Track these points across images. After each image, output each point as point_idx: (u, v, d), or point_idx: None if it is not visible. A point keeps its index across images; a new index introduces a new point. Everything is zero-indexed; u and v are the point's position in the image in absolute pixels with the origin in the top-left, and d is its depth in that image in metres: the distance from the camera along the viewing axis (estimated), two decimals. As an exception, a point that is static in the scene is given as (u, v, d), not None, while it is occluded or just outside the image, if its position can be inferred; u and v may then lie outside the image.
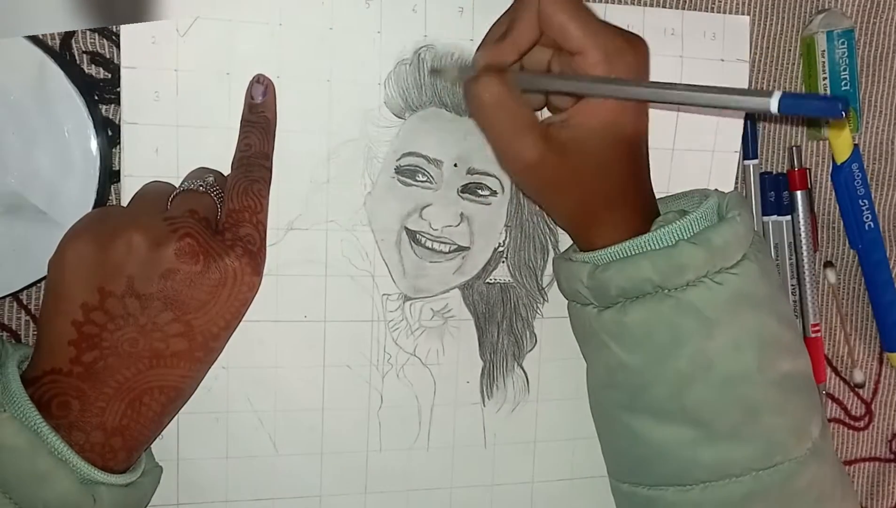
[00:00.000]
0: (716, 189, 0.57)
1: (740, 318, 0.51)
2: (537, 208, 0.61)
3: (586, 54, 0.49)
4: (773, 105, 0.41)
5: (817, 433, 0.53)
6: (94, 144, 0.52)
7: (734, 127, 0.64)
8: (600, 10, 0.60)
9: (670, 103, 0.49)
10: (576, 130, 0.51)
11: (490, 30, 0.55)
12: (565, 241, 0.61)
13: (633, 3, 0.62)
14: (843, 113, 0.40)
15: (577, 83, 0.50)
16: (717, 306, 0.50)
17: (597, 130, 0.50)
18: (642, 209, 0.54)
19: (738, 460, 0.51)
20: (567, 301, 0.58)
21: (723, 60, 0.63)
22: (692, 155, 0.63)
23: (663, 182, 0.63)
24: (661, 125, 0.62)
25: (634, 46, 0.51)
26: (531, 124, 0.50)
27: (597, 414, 0.60)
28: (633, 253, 0.51)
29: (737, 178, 0.65)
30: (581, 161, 0.51)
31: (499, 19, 0.54)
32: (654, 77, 0.60)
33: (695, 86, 0.45)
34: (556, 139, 0.50)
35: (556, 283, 0.60)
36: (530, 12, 0.50)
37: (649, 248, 0.51)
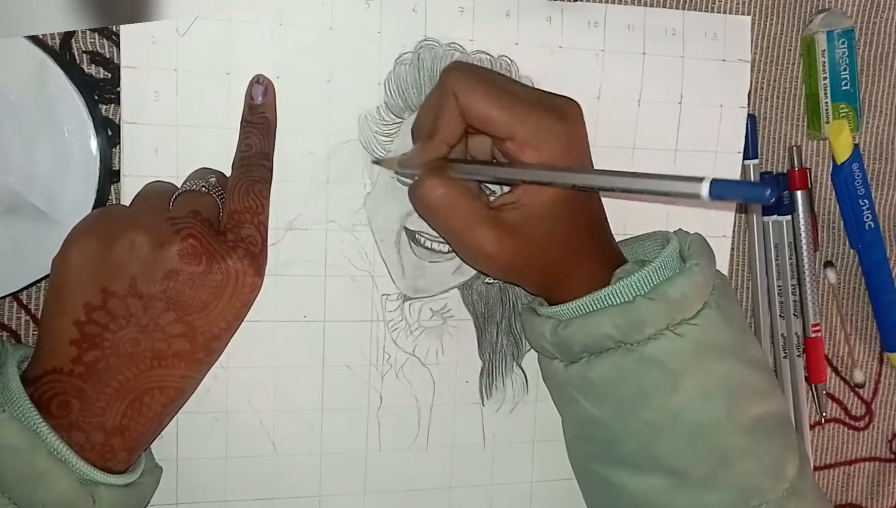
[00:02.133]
0: (678, 229, 0.57)
1: (706, 367, 0.51)
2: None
3: (515, 139, 0.50)
4: (704, 191, 0.41)
5: (794, 472, 0.53)
6: (94, 144, 0.52)
7: (737, 127, 0.64)
8: (601, 11, 0.60)
9: (602, 189, 0.50)
10: (525, 209, 0.51)
11: (416, 126, 0.55)
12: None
13: (634, 3, 0.62)
14: (771, 199, 0.40)
15: (512, 171, 0.50)
16: (680, 357, 0.50)
17: (546, 206, 0.51)
18: (604, 261, 0.54)
19: (714, 506, 0.51)
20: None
21: (724, 60, 0.63)
22: (695, 155, 0.63)
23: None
24: (664, 125, 0.62)
25: (563, 118, 0.51)
26: (483, 217, 0.51)
27: (574, 464, 0.60)
28: (593, 309, 0.51)
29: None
30: (538, 238, 0.51)
31: (421, 114, 0.55)
32: (655, 77, 0.61)
33: (625, 173, 0.45)
34: (510, 224, 0.51)
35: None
36: (450, 107, 0.51)
37: (608, 303, 0.51)
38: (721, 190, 0.41)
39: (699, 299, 0.51)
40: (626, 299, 0.50)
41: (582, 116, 0.52)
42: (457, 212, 0.51)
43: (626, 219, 0.62)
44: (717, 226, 0.65)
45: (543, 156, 0.50)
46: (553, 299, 0.55)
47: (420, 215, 0.54)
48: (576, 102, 0.52)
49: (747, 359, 0.53)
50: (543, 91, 0.53)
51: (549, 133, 0.50)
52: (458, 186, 0.51)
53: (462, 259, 0.54)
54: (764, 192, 0.40)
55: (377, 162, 0.58)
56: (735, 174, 0.65)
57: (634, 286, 0.51)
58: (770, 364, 0.53)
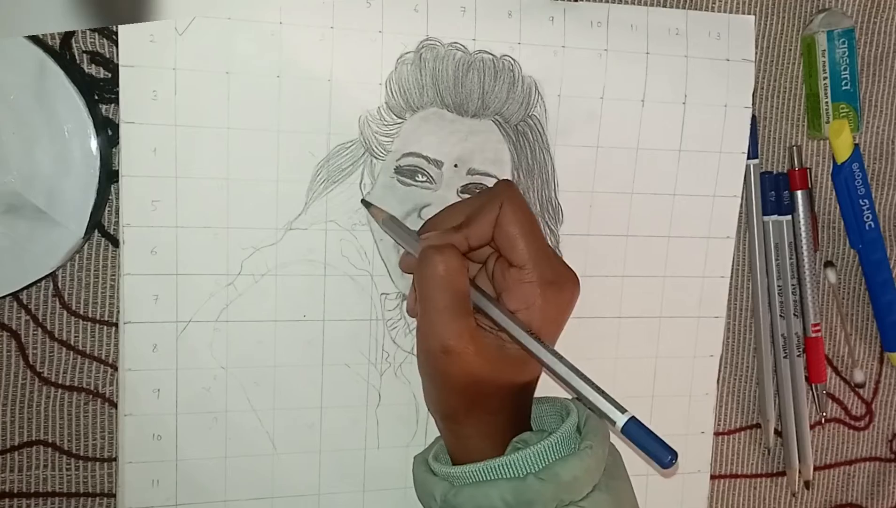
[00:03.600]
0: (575, 398, 0.56)
1: None
2: (538, 208, 0.61)
3: (524, 270, 0.52)
4: (619, 423, 0.47)
5: None
6: (94, 144, 0.52)
7: (741, 127, 0.64)
8: (603, 10, 0.60)
9: (547, 367, 0.51)
10: (501, 342, 0.52)
11: (440, 214, 0.56)
12: (565, 242, 0.62)
13: (637, 3, 0.62)
14: (670, 466, 0.45)
15: (500, 314, 0.51)
16: None
17: (514, 358, 0.52)
18: (515, 424, 0.54)
19: None
20: None
21: (728, 60, 0.63)
22: (698, 156, 0.63)
23: (669, 185, 0.63)
24: (668, 126, 0.62)
25: (567, 288, 0.54)
26: (468, 316, 0.51)
27: None
28: (486, 478, 0.51)
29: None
30: (491, 370, 0.51)
31: (453, 207, 0.55)
32: (659, 77, 0.61)
33: (577, 370, 0.50)
34: (482, 340, 0.51)
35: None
36: (491, 215, 0.52)
37: (501, 475, 0.50)
38: (632, 432, 0.46)
39: (589, 482, 0.50)
40: (519, 474, 0.50)
41: (577, 297, 0.55)
42: (454, 294, 0.50)
43: (629, 220, 0.62)
44: (722, 227, 0.65)
45: (538, 302, 0.52)
46: (450, 441, 0.54)
47: (417, 271, 0.53)
48: (578, 281, 0.55)
49: None
50: (559, 255, 0.56)
51: (552, 288, 0.52)
52: (466, 276, 0.51)
53: (418, 333, 0.53)
54: (666, 457, 0.45)
55: (365, 204, 0.57)
56: (739, 175, 0.65)
57: (528, 461, 0.50)
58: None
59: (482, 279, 0.56)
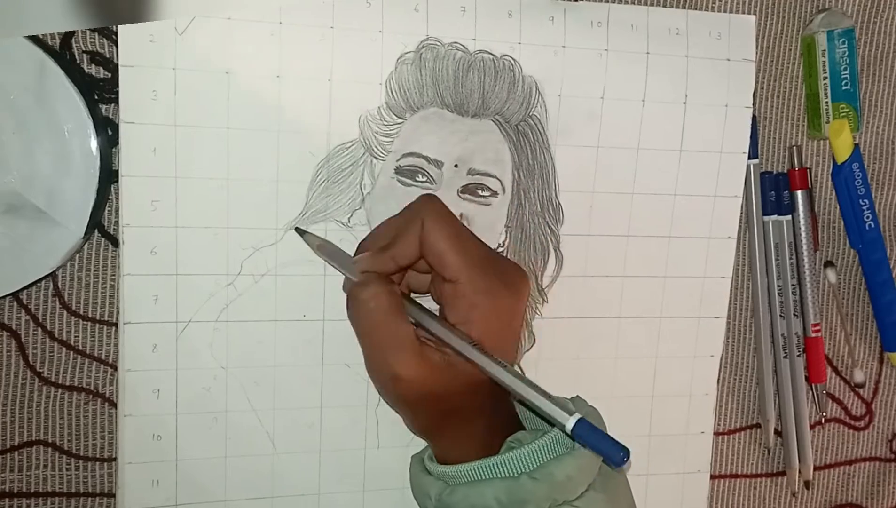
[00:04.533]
0: (576, 397, 0.56)
1: None
2: (538, 208, 0.61)
3: (458, 285, 0.51)
4: (568, 426, 0.47)
5: None
6: (94, 144, 0.52)
7: (742, 127, 0.64)
8: (603, 10, 0.60)
9: (494, 378, 0.51)
10: (448, 357, 0.51)
11: (371, 234, 0.56)
12: (566, 242, 0.62)
13: (637, 3, 0.62)
14: (623, 463, 0.46)
15: (440, 329, 0.51)
16: None
17: (464, 364, 0.51)
18: (500, 425, 0.54)
19: None
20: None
21: (728, 60, 0.63)
22: (699, 156, 0.63)
23: (670, 185, 0.63)
24: (668, 126, 0.62)
25: (510, 287, 0.53)
26: (410, 341, 0.51)
27: None
28: (480, 477, 0.51)
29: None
30: (448, 384, 0.51)
31: (381, 228, 0.55)
32: (659, 77, 0.61)
33: (523, 378, 0.50)
34: (429, 361, 0.51)
35: (555, 281, 0.60)
36: (414, 232, 0.51)
37: (495, 474, 0.50)
38: (582, 433, 0.46)
39: (584, 482, 0.50)
40: (513, 473, 0.50)
41: (528, 291, 0.54)
42: (389, 327, 0.51)
43: (630, 220, 0.62)
44: (723, 228, 0.65)
45: (476, 313, 0.51)
46: (437, 451, 0.55)
47: (349, 311, 0.53)
48: (526, 275, 0.54)
49: None
50: (501, 256, 0.55)
51: (489, 297, 0.51)
52: (399, 302, 0.51)
53: (367, 369, 0.54)
54: (617, 455, 0.46)
55: (300, 232, 0.57)
56: (740, 175, 0.65)
57: (522, 461, 0.50)
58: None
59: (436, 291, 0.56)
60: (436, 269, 0.52)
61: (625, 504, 0.54)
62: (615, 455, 0.46)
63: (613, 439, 0.47)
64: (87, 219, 0.53)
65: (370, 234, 0.56)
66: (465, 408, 0.52)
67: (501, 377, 0.50)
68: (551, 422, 0.49)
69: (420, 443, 0.60)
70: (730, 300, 0.67)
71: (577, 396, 0.57)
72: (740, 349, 0.69)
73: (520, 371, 0.55)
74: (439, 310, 0.54)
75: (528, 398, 0.49)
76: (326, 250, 0.56)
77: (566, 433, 0.48)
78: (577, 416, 0.47)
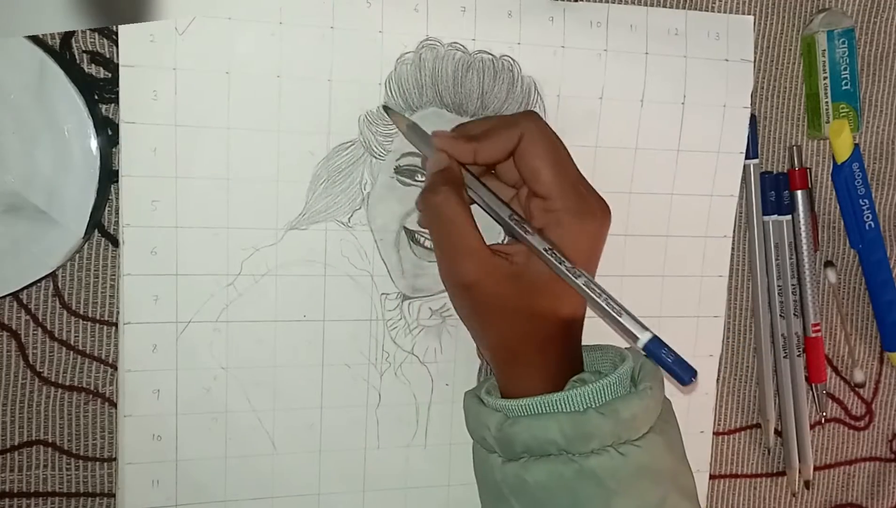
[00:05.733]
0: (631, 348, 0.56)
1: (640, 490, 0.50)
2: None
3: (548, 201, 0.52)
4: (643, 340, 0.49)
5: None
6: (94, 144, 0.52)
7: (740, 127, 0.64)
8: (603, 11, 0.60)
9: (581, 292, 0.52)
10: (516, 268, 0.52)
11: (463, 125, 0.56)
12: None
13: (636, 3, 0.62)
14: (689, 382, 0.48)
15: (523, 228, 0.52)
16: (618, 477, 0.49)
17: (537, 282, 0.52)
18: (566, 363, 0.54)
19: None
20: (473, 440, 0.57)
21: (727, 60, 0.63)
22: (697, 156, 0.63)
23: (668, 184, 0.63)
24: (667, 126, 0.63)
25: (597, 216, 0.53)
26: (478, 248, 0.51)
27: None
28: (544, 411, 0.51)
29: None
30: (515, 303, 0.51)
31: (477, 122, 0.56)
32: (658, 77, 0.61)
33: (606, 297, 0.51)
34: (497, 270, 0.51)
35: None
36: (508, 140, 0.52)
37: (560, 409, 0.50)
38: (653, 351, 0.48)
39: (647, 422, 0.51)
40: (579, 409, 0.50)
41: (608, 225, 0.54)
42: (459, 231, 0.51)
43: (628, 219, 0.62)
44: (719, 226, 0.65)
45: (562, 233, 0.51)
46: (502, 379, 0.54)
47: (421, 218, 0.54)
48: (609, 209, 0.54)
49: (680, 488, 0.53)
50: (590, 186, 0.55)
51: (578, 218, 0.52)
52: (468, 209, 0.51)
53: (440, 273, 0.54)
54: (688, 373, 0.48)
55: (386, 109, 0.57)
56: (737, 174, 0.65)
57: (588, 397, 0.50)
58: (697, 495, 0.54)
59: (515, 206, 0.56)
60: (529, 182, 0.52)
61: (679, 449, 0.54)
62: (684, 373, 0.47)
63: (682, 358, 0.48)
64: (87, 219, 0.53)
65: (463, 124, 0.56)
66: (538, 334, 0.52)
67: (577, 280, 0.50)
68: (626, 336, 0.50)
69: (420, 444, 0.61)
70: (730, 300, 0.67)
71: (631, 347, 0.57)
72: (740, 348, 0.69)
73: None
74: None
75: (606, 307, 0.50)
76: (413, 133, 0.56)
77: (638, 351, 0.49)
78: (651, 334, 0.48)
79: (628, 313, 0.50)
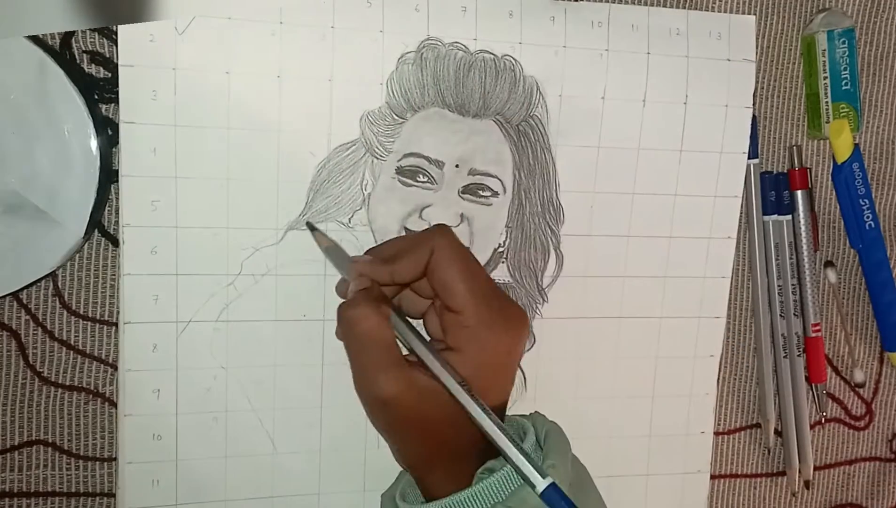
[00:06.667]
0: (535, 413, 0.56)
1: None
2: (539, 208, 0.61)
3: (462, 316, 0.51)
4: (539, 488, 0.47)
5: None
6: (94, 144, 0.52)
7: (742, 127, 0.64)
8: (604, 11, 0.60)
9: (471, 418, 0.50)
10: (433, 383, 0.51)
11: (377, 247, 0.56)
12: (566, 242, 0.62)
13: (637, 3, 0.62)
14: None
15: (427, 355, 0.50)
16: None
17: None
18: (482, 460, 0.52)
19: None
20: None
21: (729, 60, 0.63)
22: (699, 156, 0.63)
23: (670, 185, 0.63)
24: (669, 126, 0.63)
25: (511, 328, 0.53)
26: (397, 362, 0.50)
27: None
28: None
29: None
30: (436, 411, 0.51)
31: (390, 241, 0.56)
32: (659, 77, 0.61)
33: (500, 425, 0.49)
34: (415, 384, 0.50)
35: (555, 281, 0.60)
36: (420, 257, 0.51)
37: (469, 507, 0.49)
38: (552, 499, 0.47)
39: None
40: (486, 506, 0.49)
41: (526, 334, 0.54)
42: (378, 347, 0.50)
43: (630, 220, 0.63)
44: (722, 227, 0.65)
45: (476, 346, 0.51)
46: (421, 486, 0.53)
47: (338, 332, 0.53)
48: (527, 318, 0.54)
49: None
50: (506, 295, 0.55)
51: (493, 332, 0.51)
52: (387, 324, 0.51)
53: (356, 389, 0.52)
54: None
55: (311, 228, 0.57)
56: (740, 175, 0.65)
57: (494, 490, 0.49)
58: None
59: (432, 317, 0.55)
60: (441, 296, 0.52)
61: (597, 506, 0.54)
62: None
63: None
64: (87, 219, 0.53)
65: (376, 246, 0.56)
66: (455, 441, 0.52)
67: (477, 416, 0.49)
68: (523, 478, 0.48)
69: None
70: (730, 300, 0.67)
71: (536, 412, 0.56)
72: (740, 349, 0.69)
73: (501, 416, 0.54)
74: (431, 340, 0.54)
75: (502, 446, 0.49)
76: (333, 253, 0.55)
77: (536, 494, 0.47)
78: (549, 480, 0.47)
79: (529, 457, 0.48)
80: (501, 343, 0.52)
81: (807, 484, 0.72)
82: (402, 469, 0.55)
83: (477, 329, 0.51)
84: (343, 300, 0.52)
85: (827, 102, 0.66)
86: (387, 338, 0.50)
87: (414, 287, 0.55)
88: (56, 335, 0.56)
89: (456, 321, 0.51)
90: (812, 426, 0.71)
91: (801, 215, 0.67)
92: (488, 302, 0.52)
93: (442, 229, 0.53)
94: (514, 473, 0.49)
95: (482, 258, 0.60)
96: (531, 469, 0.47)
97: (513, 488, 0.49)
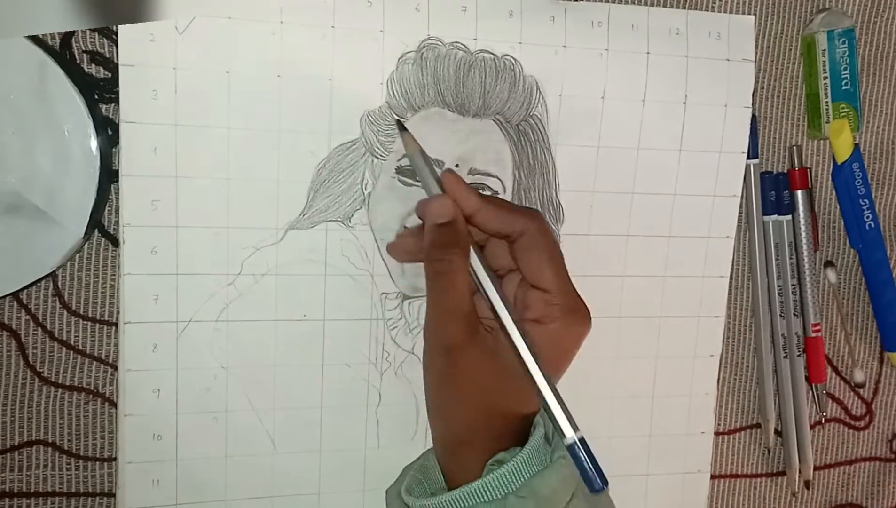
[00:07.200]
0: (541, 411, 0.55)
1: None
2: (538, 207, 0.61)
3: (550, 294, 0.52)
4: (567, 441, 0.48)
5: None
6: (94, 144, 0.52)
7: (741, 127, 0.64)
8: (604, 11, 0.60)
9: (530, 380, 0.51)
10: (498, 347, 0.51)
11: (480, 191, 0.55)
12: (566, 242, 0.62)
13: (637, 3, 0.62)
14: (601, 491, 0.48)
15: (507, 319, 0.50)
16: None
17: (510, 370, 0.51)
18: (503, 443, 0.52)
19: None
20: None
21: (728, 60, 0.63)
22: (699, 156, 0.63)
23: (670, 184, 0.63)
24: (668, 125, 0.63)
25: (587, 319, 0.53)
26: (469, 313, 0.50)
27: None
28: (466, 505, 0.49)
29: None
30: (489, 375, 0.51)
31: (493, 196, 0.55)
32: (659, 77, 0.61)
33: (552, 385, 0.50)
34: (482, 340, 0.51)
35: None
36: (511, 219, 0.52)
37: (481, 498, 0.49)
38: (575, 452, 0.48)
39: (567, 491, 0.50)
40: (497, 497, 0.49)
41: (587, 334, 0.54)
42: (459, 295, 0.50)
43: (630, 220, 0.63)
44: (721, 227, 0.65)
45: (556, 327, 0.51)
46: (452, 463, 0.53)
47: (427, 269, 0.52)
48: (591, 319, 0.54)
49: None
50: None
51: (572, 317, 0.52)
52: (469, 274, 0.51)
53: (424, 329, 0.52)
54: (599, 482, 0.48)
55: (401, 128, 0.54)
56: (739, 175, 0.65)
57: (504, 481, 0.49)
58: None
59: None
60: (530, 278, 0.52)
61: (605, 503, 0.54)
62: (595, 482, 0.47)
63: (599, 471, 0.47)
64: (87, 219, 0.53)
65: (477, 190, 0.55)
66: (498, 416, 0.51)
67: (532, 367, 0.49)
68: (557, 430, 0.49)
69: (420, 444, 0.60)
70: (730, 300, 0.67)
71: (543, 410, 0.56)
72: (740, 348, 0.69)
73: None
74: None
75: (547, 399, 0.49)
76: (418, 156, 0.53)
77: (565, 447, 0.48)
78: (579, 436, 0.48)
79: (567, 410, 0.49)
80: (574, 331, 0.53)
81: (807, 484, 0.72)
82: (409, 467, 0.55)
83: (560, 310, 0.52)
84: (422, 223, 0.52)
85: (827, 102, 0.66)
86: (466, 288, 0.50)
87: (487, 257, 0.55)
88: (56, 335, 0.56)
89: (544, 299, 0.52)
90: (812, 427, 0.71)
91: (801, 215, 0.67)
92: (572, 291, 0.53)
93: (537, 213, 0.53)
94: (524, 464, 0.49)
95: (482, 258, 0.60)
96: (566, 422, 0.49)
97: (523, 479, 0.49)
